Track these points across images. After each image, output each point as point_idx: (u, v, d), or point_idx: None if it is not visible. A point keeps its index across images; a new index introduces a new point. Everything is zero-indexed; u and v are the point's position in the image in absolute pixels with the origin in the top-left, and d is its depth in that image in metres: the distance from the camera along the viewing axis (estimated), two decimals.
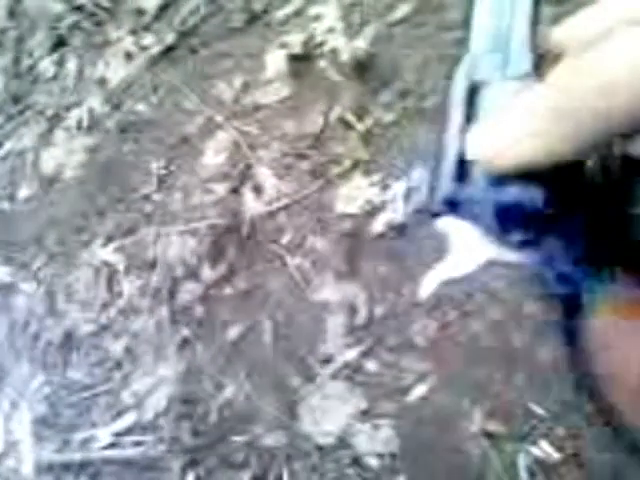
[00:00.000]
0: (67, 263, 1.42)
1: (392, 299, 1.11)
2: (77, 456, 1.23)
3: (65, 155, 1.57)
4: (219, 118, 1.40)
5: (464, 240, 0.29)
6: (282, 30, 1.43)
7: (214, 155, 1.37)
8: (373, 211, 1.17)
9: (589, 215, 0.27)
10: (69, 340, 1.34)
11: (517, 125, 0.25)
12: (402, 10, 1.32)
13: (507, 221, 0.28)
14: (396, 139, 1.22)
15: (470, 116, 0.28)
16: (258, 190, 1.28)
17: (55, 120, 1.64)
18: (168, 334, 1.25)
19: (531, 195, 0.26)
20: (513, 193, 0.27)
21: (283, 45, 1.40)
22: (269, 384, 1.14)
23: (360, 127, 1.25)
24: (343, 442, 1.06)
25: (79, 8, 1.76)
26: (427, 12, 1.30)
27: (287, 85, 1.36)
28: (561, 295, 0.29)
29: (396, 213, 1.14)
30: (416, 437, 1.03)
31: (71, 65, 1.72)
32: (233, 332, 1.20)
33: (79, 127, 1.60)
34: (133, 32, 1.65)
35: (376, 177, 1.20)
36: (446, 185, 0.28)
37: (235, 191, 1.30)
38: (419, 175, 0.32)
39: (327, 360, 1.11)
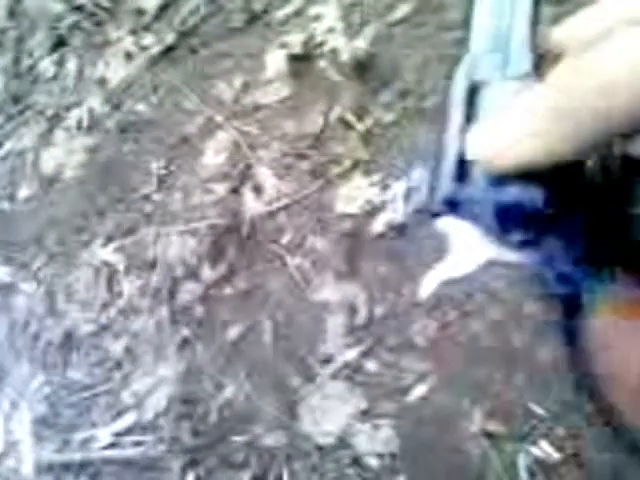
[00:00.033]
0: (67, 263, 1.42)
1: (392, 299, 1.11)
2: (77, 456, 1.23)
3: (65, 155, 1.57)
4: (219, 118, 1.40)
5: (464, 240, 0.29)
6: (282, 30, 1.43)
7: (214, 155, 1.37)
8: (373, 211, 1.17)
9: (589, 215, 0.27)
10: (69, 340, 1.34)
11: (517, 125, 0.25)
12: (402, 10, 1.32)
13: (507, 221, 0.28)
14: (396, 139, 1.22)
15: (470, 116, 0.28)
16: (258, 190, 1.28)
17: (55, 120, 1.64)
18: (168, 334, 1.25)
19: (531, 195, 0.26)
20: (513, 193, 0.27)
21: (283, 45, 1.40)
22: (269, 384, 1.14)
23: (360, 127, 1.25)
24: (343, 442, 1.06)
25: (79, 8, 1.76)
26: (427, 12, 1.30)
27: (287, 85, 1.36)
28: (561, 295, 0.29)
29: (396, 213, 1.14)
30: (416, 437, 1.03)
31: (71, 65, 1.72)
32: (233, 332, 1.20)
33: (79, 127, 1.60)
34: (133, 32, 1.65)
35: (376, 177, 1.20)
36: (446, 185, 0.29)
37: (235, 191, 1.30)
38: (419, 175, 0.32)
39: (327, 360, 1.11)
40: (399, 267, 1.12)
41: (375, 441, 1.04)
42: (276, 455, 1.09)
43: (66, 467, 1.23)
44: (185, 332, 1.24)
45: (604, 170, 0.27)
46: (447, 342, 1.06)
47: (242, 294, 1.22)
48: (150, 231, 1.35)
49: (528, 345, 1.01)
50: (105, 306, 1.34)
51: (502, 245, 0.28)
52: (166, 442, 1.17)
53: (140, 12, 1.65)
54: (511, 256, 0.29)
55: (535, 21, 0.29)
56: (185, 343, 1.23)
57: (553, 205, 0.26)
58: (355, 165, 1.23)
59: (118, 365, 1.28)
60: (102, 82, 1.63)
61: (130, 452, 1.19)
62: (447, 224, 0.29)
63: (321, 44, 1.37)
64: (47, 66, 1.75)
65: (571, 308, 0.29)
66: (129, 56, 1.62)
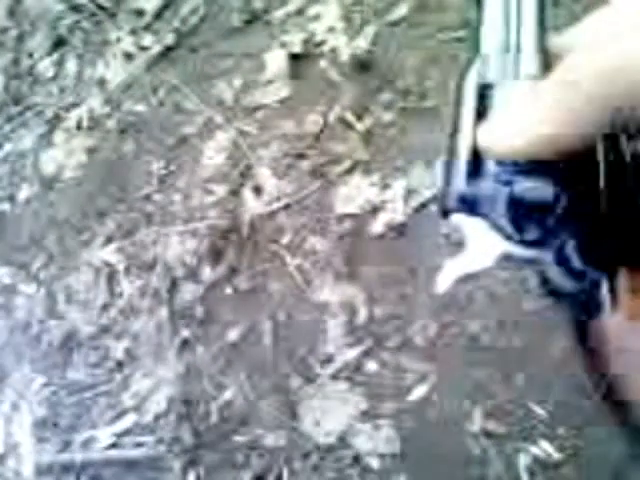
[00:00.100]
0: (67, 264, 1.42)
1: (392, 299, 1.11)
2: (78, 457, 1.23)
3: (65, 156, 1.57)
4: (219, 118, 1.40)
5: (478, 236, 0.30)
6: (282, 30, 1.43)
7: (214, 155, 1.37)
8: (373, 211, 1.17)
9: (602, 213, 0.28)
10: (69, 341, 1.34)
11: (524, 114, 0.26)
12: (402, 10, 1.32)
13: (519, 217, 0.28)
14: (396, 139, 1.22)
15: (481, 115, 0.29)
16: (258, 190, 1.28)
17: (55, 121, 1.64)
18: (168, 335, 1.25)
19: (542, 191, 0.27)
20: (525, 189, 0.28)
21: (283, 45, 1.40)
22: (269, 384, 1.14)
23: (360, 127, 1.25)
24: (343, 442, 1.06)
25: (79, 8, 1.76)
26: (427, 12, 1.30)
27: (287, 85, 1.36)
28: (574, 293, 0.29)
29: (396, 213, 1.14)
30: (416, 437, 1.03)
31: (71, 65, 1.72)
32: (233, 333, 1.20)
33: (79, 127, 1.60)
34: (133, 32, 1.65)
35: (376, 177, 1.20)
36: (459, 182, 0.29)
37: (235, 191, 1.30)
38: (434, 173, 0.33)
39: (327, 360, 1.11)
40: (399, 267, 1.12)
41: (375, 441, 1.04)
42: (276, 455, 1.09)
43: (67, 468, 1.23)
44: (185, 333, 1.24)
45: (614, 168, 0.28)
46: (447, 342, 1.06)
47: (242, 294, 1.22)
48: (150, 231, 1.35)
49: (528, 345, 1.01)
50: (105, 307, 1.34)
51: (515, 241, 0.29)
52: (167, 442, 1.17)
53: (140, 12, 1.65)
54: (524, 252, 0.29)
55: (542, 22, 0.29)
56: (185, 344, 1.23)
57: (564, 201, 0.27)
58: (355, 165, 1.23)
59: (118, 366, 1.28)
60: (102, 82, 1.63)
61: (131, 453, 1.19)
62: (461, 220, 0.30)
63: (321, 44, 1.37)
64: (47, 66, 1.75)
65: (584, 307, 0.29)
66: (129, 56, 1.62)
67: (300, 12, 1.43)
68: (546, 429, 0.96)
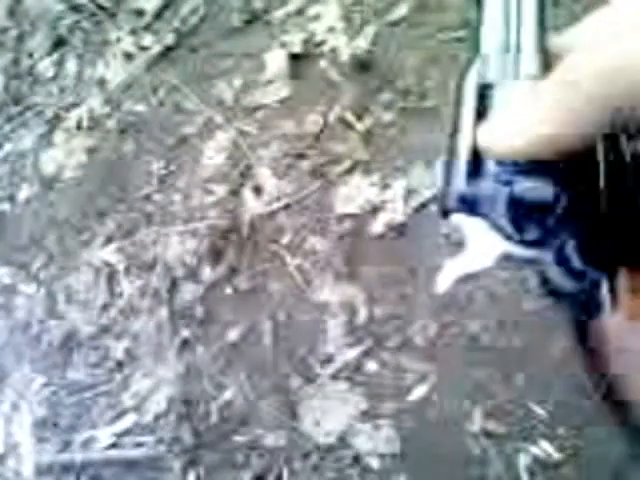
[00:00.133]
0: (67, 264, 1.42)
1: (392, 299, 1.11)
2: (78, 457, 1.23)
3: (65, 156, 1.57)
4: (219, 118, 1.40)
5: (478, 236, 0.30)
6: (282, 30, 1.43)
7: (214, 155, 1.37)
8: (373, 211, 1.17)
9: (602, 213, 0.28)
10: (69, 341, 1.34)
11: (524, 114, 0.26)
12: (402, 10, 1.32)
13: (519, 217, 0.28)
14: (396, 139, 1.22)
15: (481, 115, 0.29)
16: (258, 190, 1.28)
17: (55, 121, 1.64)
18: (168, 335, 1.25)
19: (542, 191, 0.27)
20: (525, 189, 0.28)
21: (283, 45, 1.40)
22: (269, 384, 1.14)
23: (360, 127, 1.25)
24: (343, 442, 1.06)
25: (79, 8, 1.76)
26: (427, 12, 1.30)
27: (287, 85, 1.36)
28: (574, 293, 0.29)
29: (396, 213, 1.14)
30: (417, 437, 1.03)
31: (71, 65, 1.72)
32: (233, 333, 1.20)
33: (79, 127, 1.60)
34: (133, 32, 1.64)
35: (376, 177, 1.20)
36: (460, 182, 0.29)
37: (235, 191, 1.30)
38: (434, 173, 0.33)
39: (327, 360, 1.11)
40: (399, 267, 1.13)
41: (375, 441, 1.04)
42: (276, 455, 1.09)
43: (67, 468, 1.23)
44: (185, 333, 1.24)
45: (614, 168, 0.28)
46: (447, 342, 1.06)
47: (242, 294, 1.22)
48: (150, 231, 1.35)
49: (528, 345, 1.01)
50: (105, 307, 1.34)
51: (515, 241, 0.29)
52: (167, 442, 1.17)
53: (140, 12, 1.65)
54: (525, 252, 0.29)
55: (542, 22, 0.30)
56: (185, 344, 1.23)
57: (564, 201, 0.27)
58: (355, 165, 1.23)
59: (118, 366, 1.28)
60: (102, 82, 1.63)
61: (131, 453, 1.19)
62: (461, 220, 0.30)
63: (321, 44, 1.37)
64: (47, 66, 1.75)
65: (584, 307, 0.29)
66: (129, 56, 1.62)
67: (300, 12, 1.43)
68: (546, 429, 0.96)
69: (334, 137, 1.27)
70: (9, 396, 1.35)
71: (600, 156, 0.28)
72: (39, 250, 1.48)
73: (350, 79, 1.30)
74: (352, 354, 1.10)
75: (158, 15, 1.63)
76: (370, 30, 1.33)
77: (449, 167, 0.30)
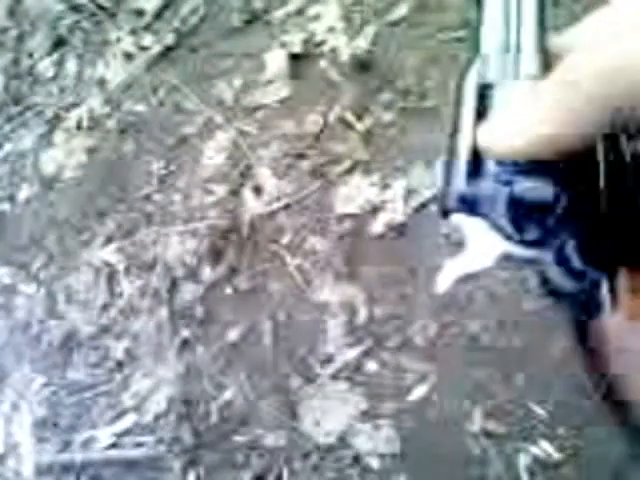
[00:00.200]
0: (67, 264, 1.42)
1: (392, 299, 1.11)
2: (78, 457, 1.23)
3: (65, 156, 1.57)
4: (219, 118, 1.40)
5: (478, 236, 0.30)
6: (282, 30, 1.43)
7: (214, 155, 1.37)
8: (373, 211, 1.17)
9: (602, 213, 0.28)
10: (69, 341, 1.34)
11: (525, 114, 0.26)
12: (402, 10, 1.32)
13: (520, 217, 0.28)
14: (396, 139, 1.22)
15: (481, 115, 0.29)
16: (258, 190, 1.28)
17: (55, 121, 1.64)
18: (168, 335, 1.25)
19: (542, 191, 0.27)
20: (525, 189, 0.28)
21: (283, 45, 1.40)
22: (269, 384, 1.14)
23: (360, 127, 1.25)
24: (343, 442, 1.06)
25: (79, 8, 1.76)
26: (427, 12, 1.30)
27: (287, 85, 1.36)
28: (574, 293, 0.29)
29: (396, 213, 1.14)
30: (417, 437, 1.03)
31: (71, 65, 1.72)
32: (233, 333, 1.20)
33: (79, 127, 1.60)
34: (133, 32, 1.64)
35: (376, 177, 1.20)
36: (459, 182, 0.29)
37: (235, 191, 1.30)
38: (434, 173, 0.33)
39: (327, 360, 1.11)
40: (399, 267, 1.13)
41: (375, 441, 1.04)
42: (276, 455, 1.09)
43: (67, 468, 1.23)
44: (185, 333, 1.24)
45: (614, 168, 0.28)
46: (447, 342, 1.06)
47: (242, 294, 1.22)
48: (150, 231, 1.35)
49: (528, 345, 1.01)
50: (105, 307, 1.34)
51: (515, 241, 0.29)
52: (167, 442, 1.17)
53: (140, 12, 1.65)
54: (525, 252, 0.29)
55: (542, 22, 0.30)
56: (185, 344, 1.23)
57: (564, 201, 0.27)
58: (355, 165, 1.23)
59: (118, 366, 1.28)
60: (102, 82, 1.63)
61: (131, 453, 1.19)
62: (461, 220, 0.30)
63: (321, 44, 1.37)
64: (47, 66, 1.75)
65: (584, 307, 0.29)
66: (129, 56, 1.62)
67: (300, 12, 1.43)
68: (546, 429, 0.96)
69: (334, 137, 1.27)
70: (9, 396, 1.35)
71: (600, 156, 0.28)
72: (39, 250, 1.48)
73: (350, 79, 1.30)
74: (352, 354, 1.10)
75: (158, 15, 1.63)
76: (370, 30, 1.33)
77: (449, 167, 0.30)
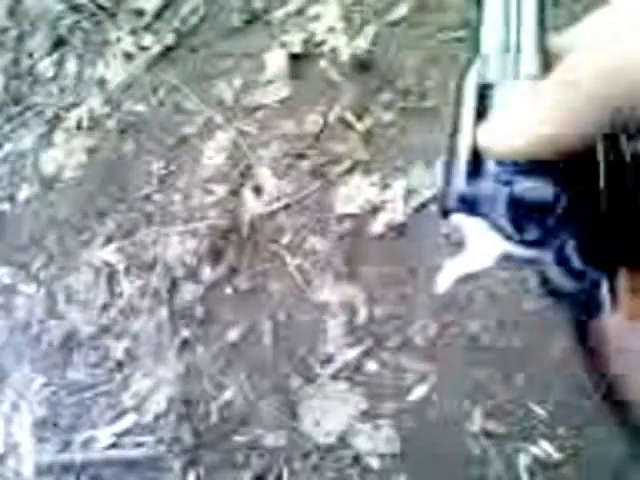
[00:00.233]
0: (67, 264, 1.42)
1: (392, 299, 1.11)
2: (78, 457, 1.23)
3: (65, 156, 1.57)
4: (219, 118, 1.40)
5: (478, 236, 0.30)
6: (282, 30, 1.43)
7: (214, 155, 1.37)
8: (373, 211, 1.17)
9: (602, 213, 0.28)
10: (69, 341, 1.34)
11: (525, 114, 0.26)
12: (402, 10, 1.32)
13: (520, 217, 0.28)
14: (396, 139, 1.22)
15: (481, 115, 0.29)
16: (258, 190, 1.28)
17: (55, 121, 1.64)
18: (168, 335, 1.25)
19: (543, 192, 0.27)
20: (525, 189, 0.28)
21: (283, 45, 1.40)
22: (269, 384, 1.14)
23: (360, 127, 1.25)
24: (343, 442, 1.06)
25: (79, 8, 1.76)
26: (427, 12, 1.30)
27: (287, 85, 1.36)
28: (574, 293, 0.29)
29: (396, 213, 1.14)
30: (417, 437, 1.03)
31: (71, 65, 1.72)
32: (233, 333, 1.20)
33: (79, 127, 1.60)
34: (133, 32, 1.64)
35: (376, 177, 1.20)
36: (460, 182, 0.29)
37: (235, 191, 1.30)
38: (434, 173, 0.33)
39: (327, 360, 1.11)
40: (399, 267, 1.13)
41: (375, 441, 1.04)
42: (276, 455, 1.09)
43: (67, 468, 1.23)
44: (185, 333, 1.24)
45: (614, 168, 0.28)
46: (447, 342, 1.06)
47: (242, 294, 1.22)
48: (150, 231, 1.35)
49: (528, 345, 1.01)
50: (105, 307, 1.34)
51: (516, 241, 0.29)
52: (167, 442, 1.17)
53: (140, 12, 1.65)
54: (525, 252, 0.29)
55: (542, 22, 0.30)
56: (185, 344, 1.23)
57: (564, 201, 0.27)
58: (355, 165, 1.23)
59: (118, 366, 1.28)
60: (102, 82, 1.63)
61: (131, 453, 1.19)
62: (461, 220, 0.30)
63: (321, 44, 1.37)
64: (47, 66, 1.75)
65: (584, 307, 0.29)
66: (129, 56, 1.62)
67: (300, 12, 1.43)
68: (546, 429, 0.96)
69: (334, 137, 1.27)
70: (9, 396, 1.35)
71: (600, 156, 0.28)
72: (39, 250, 1.48)
73: (350, 79, 1.30)
74: (352, 354, 1.10)
75: (158, 15, 1.63)
76: (370, 30, 1.33)
77: (449, 167, 0.30)
